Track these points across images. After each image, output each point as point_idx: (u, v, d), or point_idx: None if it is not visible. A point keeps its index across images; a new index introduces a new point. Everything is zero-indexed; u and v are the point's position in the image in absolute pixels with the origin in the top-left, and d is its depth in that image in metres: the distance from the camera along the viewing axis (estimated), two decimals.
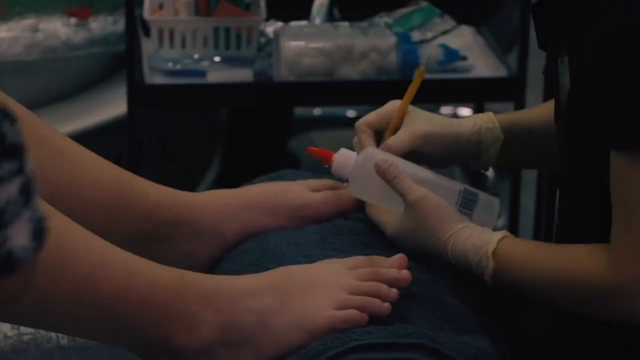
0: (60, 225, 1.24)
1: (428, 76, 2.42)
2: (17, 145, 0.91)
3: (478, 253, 1.46)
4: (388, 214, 1.55)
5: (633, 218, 1.38)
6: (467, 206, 1.54)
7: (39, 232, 0.93)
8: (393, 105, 1.63)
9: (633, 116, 1.37)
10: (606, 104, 1.39)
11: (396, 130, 1.63)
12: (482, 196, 1.57)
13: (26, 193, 0.92)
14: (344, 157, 1.58)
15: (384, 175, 1.53)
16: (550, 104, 1.64)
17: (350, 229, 1.53)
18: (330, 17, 2.70)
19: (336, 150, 1.59)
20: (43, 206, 1.23)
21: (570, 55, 1.49)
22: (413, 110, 1.64)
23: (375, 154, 1.57)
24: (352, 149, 1.62)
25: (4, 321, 1.51)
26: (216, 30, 2.44)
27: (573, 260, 1.44)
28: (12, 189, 0.90)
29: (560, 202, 1.59)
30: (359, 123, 1.65)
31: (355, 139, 1.65)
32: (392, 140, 1.61)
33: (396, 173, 1.53)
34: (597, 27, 1.39)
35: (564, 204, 1.58)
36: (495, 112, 1.76)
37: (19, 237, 0.91)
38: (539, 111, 1.73)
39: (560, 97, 1.54)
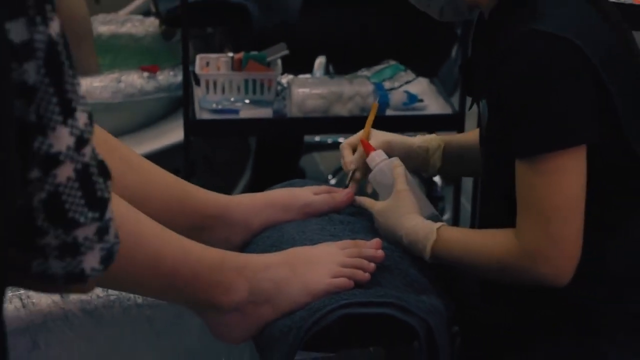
0: (136, 219, 1.24)
1: (396, 113, 2.45)
2: (103, 199, 0.89)
3: (423, 235, 1.45)
4: (375, 202, 1.54)
5: (531, 208, 1.38)
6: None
7: (107, 258, 0.91)
8: (361, 133, 1.63)
9: (528, 133, 1.36)
10: (511, 125, 1.38)
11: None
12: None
13: (101, 233, 0.89)
14: (376, 155, 1.57)
15: (396, 168, 1.54)
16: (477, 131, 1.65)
17: (341, 220, 1.52)
18: (326, 72, 2.70)
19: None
20: (124, 206, 1.24)
21: (487, 97, 1.48)
22: (376, 131, 1.64)
23: (393, 161, 1.56)
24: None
25: (100, 285, 1.51)
26: (246, 81, 2.43)
27: (490, 240, 1.43)
28: (90, 230, 0.88)
29: (482, 200, 1.59)
30: (343, 144, 1.66)
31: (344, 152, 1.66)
32: None
33: (401, 170, 1.53)
34: (500, 77, 1.40)
35: (485, 202, 1.59)
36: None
37: (91, 261, 0.89)
38: (470, 135, 1.73)
39: (482, 127, 1.53)
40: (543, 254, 1.37)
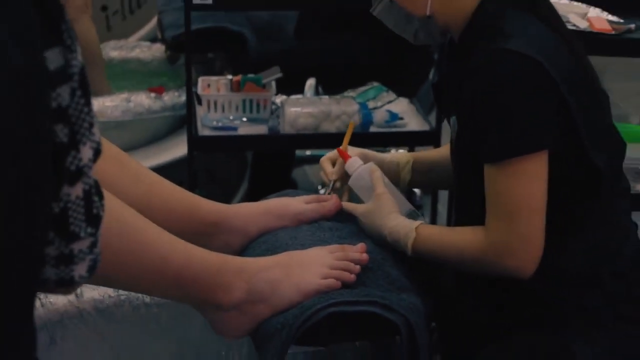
0: (144, 226, 1.23)
1: (379, 130, 2.46)
2: (99, 216, 0.89)
3: (404, 233, 1.47)
4: (358, 205, 1.54)
5: (499, 208, 1.39)
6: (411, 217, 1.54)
7: (92, 268, 0.90)
8: (339, 149, 1.64)
9: (495, 140, 1.37)
10: (480, 134, 1.39)
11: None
12: (419, 216, 1.57)
13: (92, 246, 0.89)
14: (354, 162, 1.59)
15: (373, 173, 1.55)
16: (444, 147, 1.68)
17: (330, 227, 1.52)
18: (316, 92, 2.70)
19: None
20: (133, 215, 1.23)
21: (456, 113, 1.49)
22: (352, 147, 1.65)
23: (370, 166, 1.58)
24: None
25: (108, 286, 1.51)
26: (244, 101, 2.43)
27: (462, 237, 1.44)
28: (85, 244, 0.88)
29: (456, 206, 1.61)
30: (322, 158, 1.68)
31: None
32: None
33: (378, 174, 1.54)
34: (470, 90, 1.41)
35: (459, 207, 1.60)
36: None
37: (80, 270, 0.89)
38: (438, 152, 1.75)
39: (452, 141, 1.54)
40: (508, 248, 1.38)
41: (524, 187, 1.37)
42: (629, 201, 1.54)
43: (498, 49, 1.37)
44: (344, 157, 1.61)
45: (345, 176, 1.62)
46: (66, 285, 0.89)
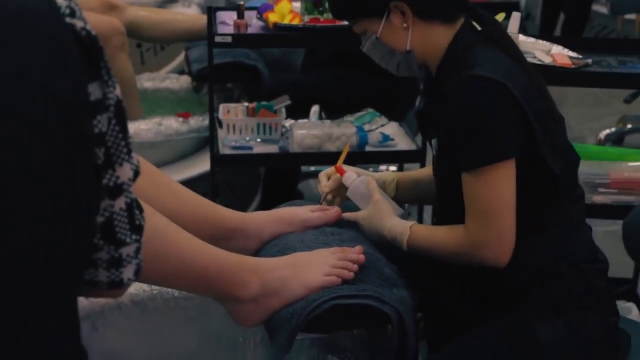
0: (175, 232, 1.23)
1: (373, 149, 2.45)
2: (141, 226, 0.89)
3: (401, 231, 1.48)
4: (357, 212, 1.55)
5: (475, 209, 1.40)
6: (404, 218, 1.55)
7: (138, 271, 0.91)
8: (336, 166, 1.66)
9: (471, 152, 1.39)
10: (458, 147, 1.41)
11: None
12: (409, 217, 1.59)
13: (137, 252, 0.90)
14: (350, 176, 1.61)
15: (370, 183, 1.56)
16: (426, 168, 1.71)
17: (332, 232, 1.52)
18: (320, 117, 2.70)
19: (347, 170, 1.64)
20: (165, 223, 1.23)
21: (437, 135, 1.50)
22: (346, 165, 1.66)
23: (365, 178, 1.59)
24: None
25: (143, 282, 1.50)
26: (258, 124, 2.43)
27: (447, 234, 1.46)
28: (131, 249, 0.89)
29: (439, 213, 1.61)
30: (320, 173, 1.69)
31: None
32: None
33: (374, 184, 1.56)
34: (448, 111, 1.42)
35: (439, 213, 1.61)
36: (409, 169, 1.78)
37: (128, 273, 0.90)
38: (421, 172, 1.76)
39: (434, 159, 1.55)
40: (484, 243, 1.39)
41: (496, 191, 1.38)
42: (583, 207, 1.55)
43: (468, 75, 1.38)
44: (340, 172, 1.62)
45: (340, 188, 1.63)
46: (116, 287, 0.90)
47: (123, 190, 0.85)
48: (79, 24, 0.79)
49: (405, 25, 1.47)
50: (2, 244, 0.73)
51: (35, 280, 0.77)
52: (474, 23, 1.51)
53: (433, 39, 1.47)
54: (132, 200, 0.87)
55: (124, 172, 0.84)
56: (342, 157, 1.69)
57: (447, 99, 1.42)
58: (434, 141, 1.53)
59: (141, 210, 0.89)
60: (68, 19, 0.78)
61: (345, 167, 1.64)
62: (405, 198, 1.73)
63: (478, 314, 1.50)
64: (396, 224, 1.49)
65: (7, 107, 0.70)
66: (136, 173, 0.86)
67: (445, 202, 1.56)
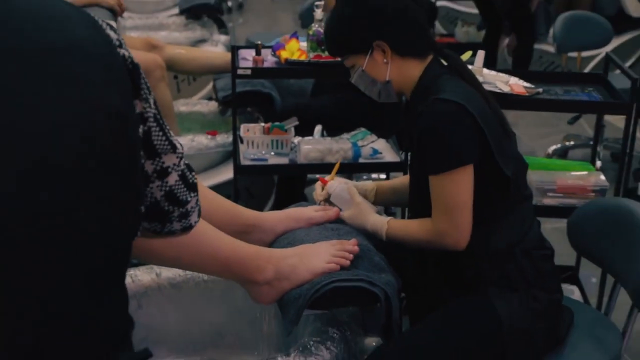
0: (204, 227, 1.23)
1: (365, 161, 2.43)
2: (195, 184, 0.95)
3: (380, 225, 1.49)
4: (344, 212, 1.55)
5: (439, 205, 1.41)
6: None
7: (199, 214, 0.97)
8: (320, 178, 1.68)
9: (436, 159, 1.40)
10: (425, 155, 1.42)
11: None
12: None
13: (197, 202, 0.96)
14: (331, 184, 1.62)
15: (350, 189, 1.58)
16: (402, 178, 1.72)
17: (332, 228, 1.51)
18: (322, 135, 2.70)
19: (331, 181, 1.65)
20: (200, 221, 1.24)
21: (410, 147, 1.54)
22: (339, 178, 1.68)
23: (345, 186, 1.60)
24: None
25: (179, 268, 1.51)
26: (272, 140, 2.43)
27: (418, 226, 1.47)
28: (193, 202, 0.95)
29: (411, 209, 1.61)
30: (316, 184, 1.69)
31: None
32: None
33: (353, 190, 1.57)
34: (418, 127, 1.43)
35: (413, 209, 1.61)
36: (395, 177, 1.78)
37: (194, 217, 0.96)
38: (396, 180, 1.76)
39: (409, 167, 1.59)
40: (447, 232, 1.41)
41: (455, 191, 1.39)
42: (531, 203, 1.56)
43: (434, 99, 1.40)
44: (323, 182, 1.64)
45: (328, 196, 1.64)
46: (188, 229, 0.97)
47: (170, 171, 0.90)
48: (125, 53, 0.81)
49: (385, 60, 1.49)
50: (81, 224, 0.75)
51: (103, 256, 0.79)
52: (441, 59, 1.51)
53: (408, 71, 1.49)
54: (183, 171, 0.92)
55: (169, 159, 0.89)
56: (334, 171, 1.70)
57: (418, 117, 1.42)
58: (410, 153, 1.54)
59: (192, 170, 0.95)
60: (118, 49, 0.80)
61: (337, 180, 1.66)
62: (383, 203, 1.74)
63: (449, 293, 1.50)
64: (376, 220, 1.50)
65: (75, 114, 0.74)
66: (180, 156, 0.91)
67: (417, 199, 1.56)
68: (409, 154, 1.55)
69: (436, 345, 1.43)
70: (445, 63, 1.52)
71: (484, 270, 1.45)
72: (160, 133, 0.87)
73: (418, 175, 1.51)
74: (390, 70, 1.49)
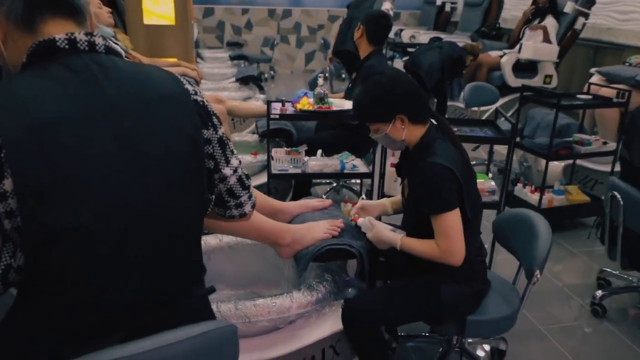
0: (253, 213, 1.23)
1: (348, 171, 2.31)
2: (249, 185, 0.91)
3: (396, 240, 1.38)
4: (369, 234, 1.41)
5: (440, 234, 1.31)
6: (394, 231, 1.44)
7: (253, 206, 0.93)
8: (355, 208, 1.52)
9: (433, 205, 1.29)
10: (424, 203, 1.31)
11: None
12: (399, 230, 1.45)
13: (250, 196, 0.92)
14: (360, 219, 1.46)
15: (370, 220, 1.43)
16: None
17: (328, 213, 1.50)
18: (321, 155, 2.69)
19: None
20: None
21: (408, 180, 1.42)
22: (365, 201, 1.55)
23: (368, 217, 1.44)
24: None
25: (232, 235, 1.42)
26: (291, 159, 2.40)
27: (425, 246, 1.34)
28: (246, 197, 0.91)
29: (403, 223, 1.48)
30: (352, 209, 1.54)
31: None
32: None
33: (374, 220, 1.43)
34: (417, 183, 1.33)
35: (404, 224, 1.48)
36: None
37: (248, 208, 0.92)
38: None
39: (403, 193, 1.47)
40: (449, 253, 1.31)
41: (450, 224, 1.30)
42: (479, 228, 1.45)
43: (430, 162, 1.29)
44: (355, 220, 1.49)
45: (359, 211, 1.55)
46: (244, 217, 0.93)
47: (228, 178, 0.87)
48: (199, 98, 0.83)
49: (403, 127, 1.38)
50: (189, 197, 0.78)
51: (187, 223, 0.80)
52: (434, 121, 1.42)
53: (415, 132, 1.37)
54: (240, 176, 0.89)
55: (226, 171, 0.87)
56: (357, 207, 1.54)
57: (418, 171, 1.31)
58: (404, 181, 1.45)
59: (248, 177, 0.91)
60: (192, 96, 0.82)
61: (364, 202, 1.54)
62: (396, 211, 1.61)
63: (413, 274, 1.44)
64: (391, 236, 1.37)
65: (174, 138, 0.77)
66: (239, 162, 0.88)
67: (408, 219, 1.45)
68: (403, 182, 1.47)
69: (399, 296, 1.40)
70: (436, 123, 1.39)
71: (437, 267, 1.37)
72: (219, 148, 0.86)
73: (413, 205, 1.38)
74: (405, 133, 1.37)
